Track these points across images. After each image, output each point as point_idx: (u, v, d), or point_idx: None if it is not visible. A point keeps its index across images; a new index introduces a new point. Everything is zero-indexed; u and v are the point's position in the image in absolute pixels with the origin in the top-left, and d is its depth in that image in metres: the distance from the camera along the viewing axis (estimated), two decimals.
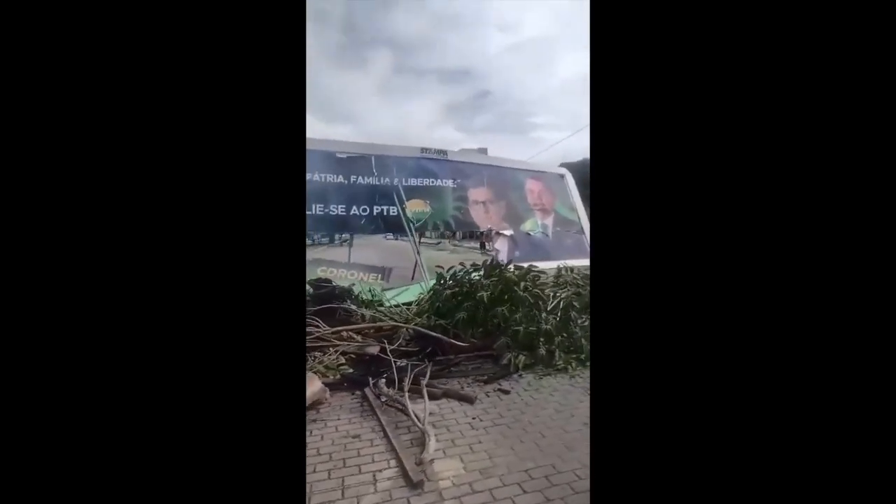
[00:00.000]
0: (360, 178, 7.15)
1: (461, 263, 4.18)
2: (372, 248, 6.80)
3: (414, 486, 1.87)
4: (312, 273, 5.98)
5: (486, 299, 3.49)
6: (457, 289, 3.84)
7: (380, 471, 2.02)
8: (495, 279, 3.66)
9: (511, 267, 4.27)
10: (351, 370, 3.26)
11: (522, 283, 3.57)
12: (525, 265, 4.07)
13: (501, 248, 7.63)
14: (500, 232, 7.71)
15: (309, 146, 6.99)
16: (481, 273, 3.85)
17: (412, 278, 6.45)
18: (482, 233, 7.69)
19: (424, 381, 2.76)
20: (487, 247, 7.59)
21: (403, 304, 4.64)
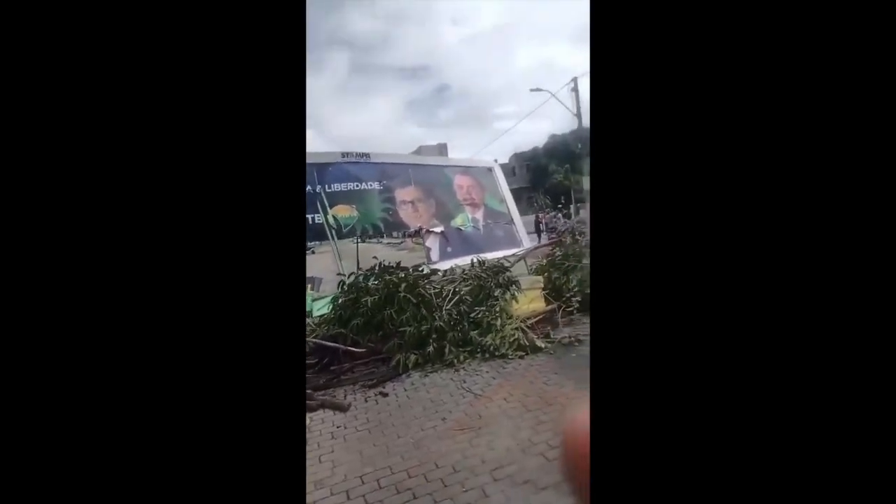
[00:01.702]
0: None
1: (359, 268, 4.16)
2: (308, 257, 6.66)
3: None
4: None
5: (369, 304, 3.50)
6: (353, 295, 3.83)
7: None
8: (381, 284, 3.67)
9: (427, 268, 4.29)
10: None
11: (403, 285, 3.60)
12: (410, 267, 4.13)
13: (433, 246, 7.69)
14: (431, 230, 7.75)
15: None
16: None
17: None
18: (414, 232, 7.70)
19: None
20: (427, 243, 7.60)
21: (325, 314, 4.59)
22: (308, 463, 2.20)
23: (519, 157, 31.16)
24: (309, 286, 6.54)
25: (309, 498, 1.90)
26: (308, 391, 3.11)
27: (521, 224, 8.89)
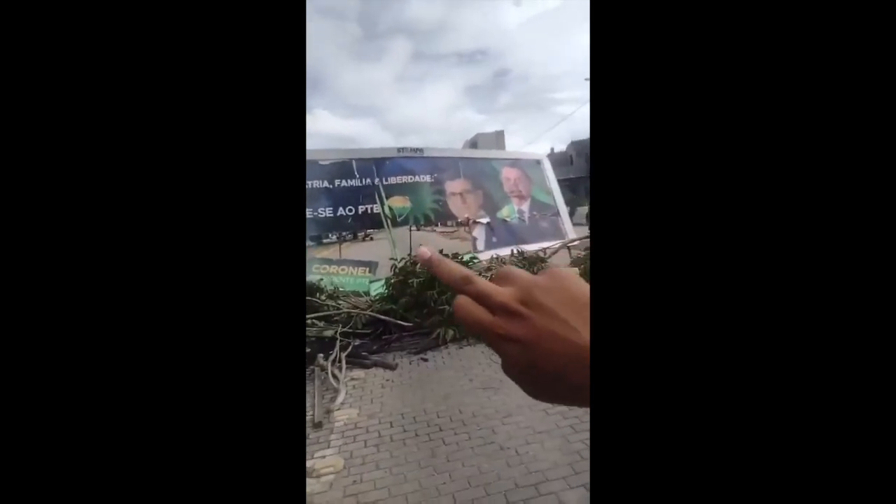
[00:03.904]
0: (344, 181, 7.84)
1: (408, 254, 4.79)
2: (364, 244, 7.52)
3: (315, 425, 2.56)
4: (309, 271, 6.80)
5: (415, 285, 4.10)
6: (401, 277, 4.47)
7: None
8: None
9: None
10: (308, 350, 4.00)
11: None
12: (451, 255, 4.64)
13: (479, 237, 8.16)
14: (477, 220, 8.21)
15: None
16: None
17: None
18: (464, 221, 8.22)
19: (344, 354, 3.46)
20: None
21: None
22: (363, 402, 2.87)
23: (577, 145, 30.04)
24: (367, 269, 7.39)
25: (362, 424, 2.55)
26: (364, 353, 3.81)
27: (566, 216, 9.00)
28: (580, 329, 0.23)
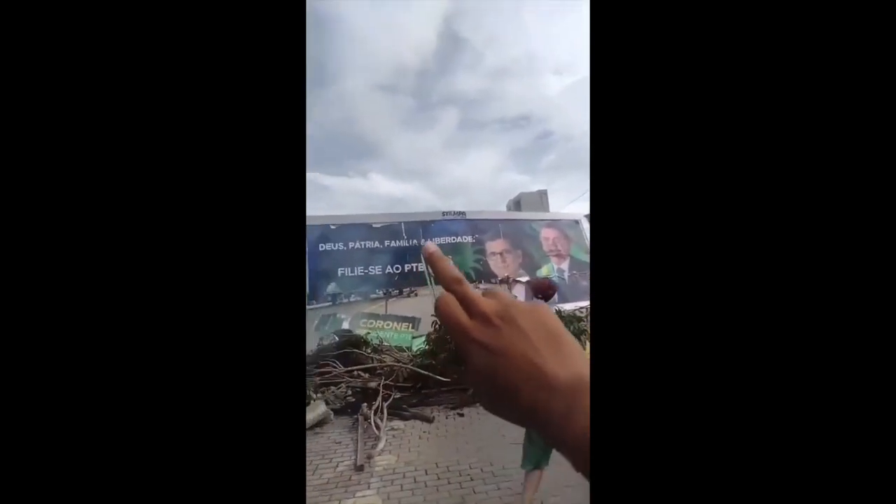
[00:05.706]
0: (393, 242, 8.61)
1: None
2: (409, 300, 8.02)
3: (357, 468, 2.81)
4: (356, 325, 7.36)
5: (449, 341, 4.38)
6: (441, 333, 4.78)
7: (342, 461, 2.99)
8: None
9: None
10: (353, 399, 4.31)
11: None
12: None
13: (518, 294, 8.33)
14: (517, 279, 8.45)
15: (350, 220, 8.74)
16: None
17: None
18: (500, 281, 8.51)
19: (385, 405, 3.72)
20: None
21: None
22: (401, 450, 3.08)
23: None
24: (410, 325, 7.78)
25: (400, 470, 2.75)
26: (404, 405, 4.05)
27: None
28: (545, 354, 0.24)
